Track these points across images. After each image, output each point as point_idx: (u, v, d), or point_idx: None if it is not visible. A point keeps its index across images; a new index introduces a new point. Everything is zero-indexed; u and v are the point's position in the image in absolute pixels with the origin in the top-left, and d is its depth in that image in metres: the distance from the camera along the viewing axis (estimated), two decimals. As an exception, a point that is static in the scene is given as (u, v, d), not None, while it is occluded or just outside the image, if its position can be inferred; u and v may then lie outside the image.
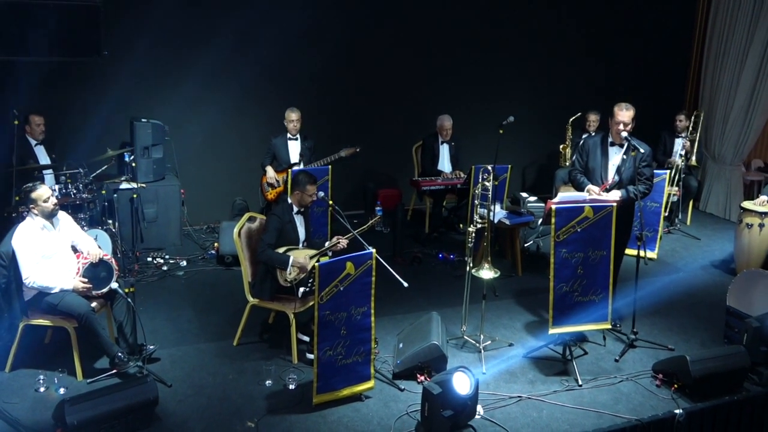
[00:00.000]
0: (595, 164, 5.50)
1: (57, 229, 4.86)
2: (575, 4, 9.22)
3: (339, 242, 5.12)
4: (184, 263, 6.87)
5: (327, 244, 5.20)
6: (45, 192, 4.74)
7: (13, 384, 4.66)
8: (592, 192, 5.34)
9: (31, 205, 4.74)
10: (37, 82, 6.84)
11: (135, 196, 6.73)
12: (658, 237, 7.43)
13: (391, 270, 4.65)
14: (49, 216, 4.79)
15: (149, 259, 6.89)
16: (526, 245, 7.44)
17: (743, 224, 6.85)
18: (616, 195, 5.31)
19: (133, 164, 6.82)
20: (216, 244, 7.07)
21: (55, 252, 4.77)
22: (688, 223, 8.64)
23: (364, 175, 8.58)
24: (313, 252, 5.15)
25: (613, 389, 4.87)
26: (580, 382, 4.90)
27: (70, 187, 6.28)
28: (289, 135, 7.23)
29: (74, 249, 4.95)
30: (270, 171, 7.23)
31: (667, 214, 7.94)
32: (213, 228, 7.86)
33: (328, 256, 5.15)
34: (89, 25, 6.90)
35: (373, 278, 4.50)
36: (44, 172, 6.53)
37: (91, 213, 6.46)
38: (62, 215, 4.96)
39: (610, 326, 5.25)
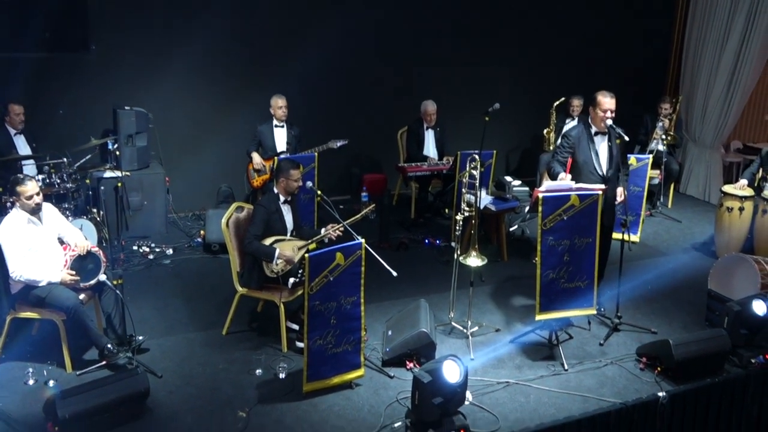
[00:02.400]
0: (586, 157, 5.46)
1: (43, 222, 4.82)
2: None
3: (334, 231, 5.12)
4: (171, 251, 6.85)
5: (323, 230, 5.21)
6: (30, 189, 4.67)
7: (1, 377, 4.65)
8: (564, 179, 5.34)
9: (14, 198, 4.69)
10: (19, 74, 6.74)
11: (119, 184, 6.70)
12: (641, 220, 7.53)
13: (381, 260, 4.68)
14: (32, 212, 4.74)
15: (135, 247, 6.86)
16: (511, 230, 7.51)
17: (723, 208, 6.96)
18: (622, 192, 5.46)
19: (117, 152, 6.77)
20: (202, 232, 7.05)
21: (41, 245, 4.74)
22: (670, 205, 8.76)
23: (349, 161, 8.58)
24: (300, 243, 5.16)
25: (598, 373, 4.96)
26: (566, 367, 4.98)
27: (53, 176, 6.22)
28: (275, 122, 7.20)
29: (61, 241, 4.91)
30: (256, 157, 7.21)
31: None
32: (198, 215, 7.83)
33: (316, 245, 5.17)
34: (77, 20, 6.80)
35: (363, 268, 4.53)
36: (26, 162, 6.46)
37: (76, 202, 6.41)
38: (48, 208, 4.92)
39: (595, 312, 5.33)
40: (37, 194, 4.73)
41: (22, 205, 4.70)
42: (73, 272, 4.72)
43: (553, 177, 5.52)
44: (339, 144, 7.22)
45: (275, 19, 7.88)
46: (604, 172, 5.48)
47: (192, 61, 7.58)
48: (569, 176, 5.38)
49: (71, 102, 7.18)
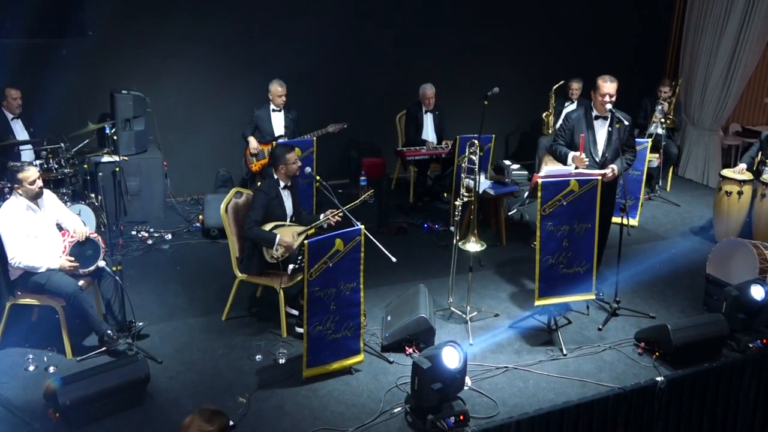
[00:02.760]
0: (579, 137, 5.48)
1: (42, 209, 4.81)
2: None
3: (333, 217, 5.12)
4: (169, 236, 6.85)
5: (322, 216, 5.20)
6: (32, 174, 4.67)
7: (2, 364, 4.66)
8: (577, 160, 5.37)
9: (16, 185, 4.67)
10: (15, 59, 6.69)
11: (117, 169, 6.69)
12: (639, 204, 7.53)
13: (381, 246, 4.67)
14: (34, 197, 4.73)
15: (133, 232, 6.84)
16: (510, 214, 7.50)
17: (722, 192, 6.96)
18: (613, 168, 5.37)
19: (114, 137, 6.73)
20: (201, 217, 7.04)
21: (40, 231, 4.73)
22: (668, 189, 8.75)
23: (347, 145, 8.55)
24: (300, 228, 5.16)
25: (597, 358, 4.99)
26: (565, 352, 5.00)
27: (51, 162, 6.19)
28: (272, 107, 7.16)
29: (59, 227, 4.90)
30: (253, 141, 7.18)
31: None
32: (197, 200, 7.82)
33: (315, 231, 5.17)
34: (73, 5, 6.73)
35: (362, 254, 4.53)
36: (23, 147, 6.42)
37: (74, 188, 6.38)
38: (46, 194, 4.90)
39: (594, 297, 5.35)
40: (39, 179, 4.72)
41: (25, 191, 4.68)
42: (72, 258, 4.72)
43: (560, 158, 5.54)
44: (337, 127, 7.19)
45: (273, 4, 7.80)
46: (599, 157, 5.49)
47: (189, 44, 7.54)
48: (583, 155, 5.37)
49: (68, 87, 7.11)
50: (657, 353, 4.96)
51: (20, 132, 6.55)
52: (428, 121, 7.95)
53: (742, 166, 7.02)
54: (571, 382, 4.68)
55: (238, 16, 7.71)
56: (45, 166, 6.15)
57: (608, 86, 5.35)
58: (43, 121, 6.78)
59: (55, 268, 4.68)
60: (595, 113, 5.49)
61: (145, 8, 7.32)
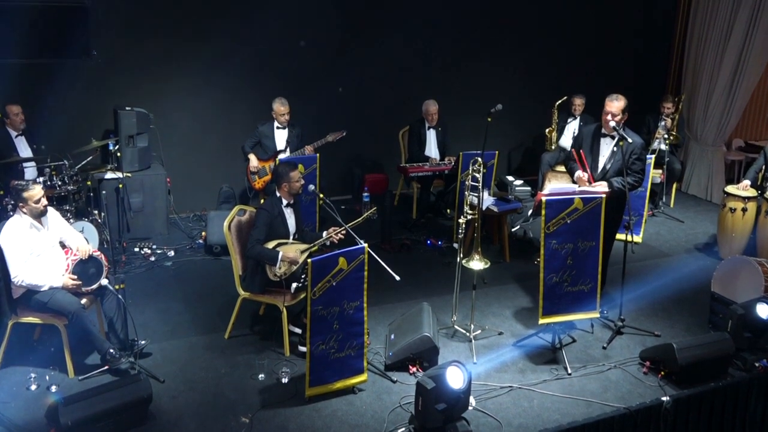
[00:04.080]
0: (587, 154, 5.56)
1: (45, 227, 4.80)
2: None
3: (336, 234, 5.11)
4: (172, 253, 6.84)
5: (324, 234, 5.19)
6: (37, 192, 4.67)
7: (3, 383, 4.63)
8: (579, 181, 5.44)
9: (21, 204, 4.67)
10: (20, 76, 6.73)
11: (121, 185, 6.69)
12: (643, 221, 7.51)
13: (384, 264, 4.66)
14: (38, 216, 4.73)
15: (136, 249, 6.84)
16: (513, 230, 7.49)
17: (726, 209, 6.94)
18: (602, 187, 5.36)
19: (118, 154, 6.74)
20: (204, 233, 7.03)
21: (43, 250, 4.72)
22: (672, 205, 8.73)
23: (350, 160, 8.55)
24: (303, 246, 5.15)
25: (602, 377, 4.95)
26: (570, 371, 4.97)
27: (54, 179, 6.20)
28: (276, 124, 7.17)
29: (62, 245, 4.89)
30: (253, 160, 7.17)
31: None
32: (200, 216, 7.81)
33: (318, 248, 5.16)
34: (78, 26, 6.76)
35: (366, 273, 4.51)
36: (27, 164, 6.43)
37: (77, 204, 6.39)
38: (50, 212, 4.89)
39: (598, 315, 5.32)
40: (44, 198, 4.73)
41: (29, 209, 4.67)
42: (75, 276, 4.71)
43: (569, 172, 5.69)
44: (336, 136, 7.18)
45: (275, 19, 7.83)
46: (597, 174, 5.51)
47: (192, 61, 7.56)
48: (586, 174, 5.42)
49: (72, 104, 7.15)
50: (662, 372, 4.92)
51: (24, 149, 6.55)
52: (431, 137, 7.96)
53: (746, 182, 7.00)
54: (576, 402, 4.65)
55: (241, 33, 7.73)
56: (48, 183, 6.15)
57: (611, 105, 5.40)
58: (47, 138, 6.80)
59: (57, 287, 4.67)
60: (603, 131, 5.54)
61: (149, 27, 7.35)
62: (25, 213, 4.69)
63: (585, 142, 5.61)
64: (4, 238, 4.61)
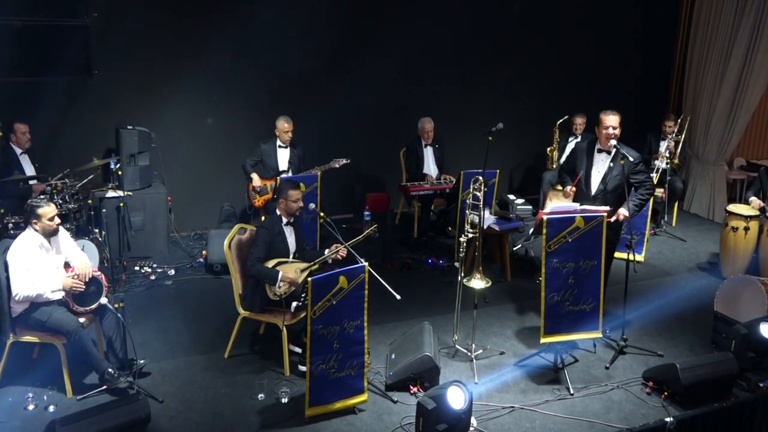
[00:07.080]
0: (580, 169, 5.54)
1: (54, 249, 4.79)
2: (561, 7, 9.23)
3: (338, 252, 5.09)
4: (173, 272, 6.82)
5: (327, 251, 5.17)
6: (52, 210, 4.69)
7: (1, 402, 4.60)
8: (563, 193, 5.51)
9: (34, 220, 4.66)
10: (21, 95, 6.77)
11: (122, 204, 6.68)
12: (645, 240, 7.49)
13: (385, 284, 4.64)
14: (50, 235, 4.72)
15: (137, 268, 6.82)
16: (514, 249, 7.46)
17: (728, 227, 6.92)
18: (622, 213, 5.37)
19: (119, 172, 6.75)
20: (204, 252, 7.01)
21: (48, 269, 4.70)
22: (674, 224, 8.71)
23: (351, 179, 8.56)
24: (303, 265, 5.13)
25: (605, 397, 4.91)
26: (572, 391, 4.92)
27: (56, 197, 6.19)
28: (279, 142, 7.18)
29: (66, 264, 4.87)
30: (256, 178, 7.18)
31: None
32: (201, 235, 7.80)
33: (318, 267, 5.14)
34: (79, 44, 6.80)
35: (366, 291, 4.49)
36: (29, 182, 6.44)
37: (78, 223, 6.37)
38: (61, 233, 4.87)
39: (601, 335, 5.28)
40: (57, 217, 4.73)
41: (42, 227, 4.67)
42: (75, 277, 4.68)
43: (562, 186, 5.70)
44: (341, 163, 7.20)
45: (275, 37, 7.89)
46: (592, 191, 5.49)
47: (194, 80, 7.59)
48: (573, 189, 5.46)
49: (74, 123, 7.18)
50: (665, 393, 4.88)
51: (28, 166, 6.57)
52: (428, 154, 7.98)
53: (753, 198, 7.00)
54: (578, 423, 4.60)
55: (242, 52, 7.78)
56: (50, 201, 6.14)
57: (610, 119, 5.38)
58: (49, 157, 6.81)
59: (58, 293, 4.63)
60: (598, 146, 5.51)
61: (150, 46, 7.40)
62: (37, 230, 4.67)
63: (579, 158, 5.58)
64: (13, 255, 4.59)
